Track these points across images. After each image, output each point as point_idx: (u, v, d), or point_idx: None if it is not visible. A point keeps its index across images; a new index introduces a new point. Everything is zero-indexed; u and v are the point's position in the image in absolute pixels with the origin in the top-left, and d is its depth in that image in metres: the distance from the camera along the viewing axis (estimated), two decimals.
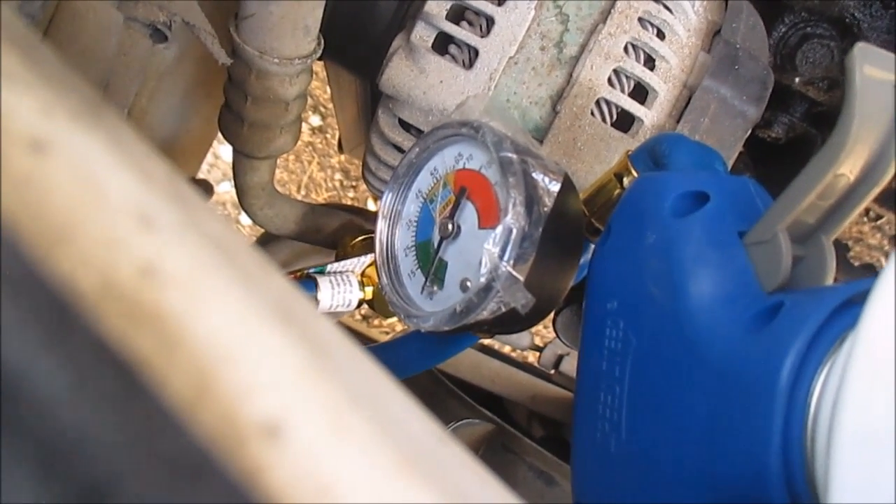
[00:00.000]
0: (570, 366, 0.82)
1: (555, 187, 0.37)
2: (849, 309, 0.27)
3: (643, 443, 0.31)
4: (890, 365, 0.21)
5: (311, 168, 1.73)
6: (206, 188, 0.89)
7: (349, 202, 1.76)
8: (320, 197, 1.74)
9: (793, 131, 0.74)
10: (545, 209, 0.36)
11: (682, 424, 0.29)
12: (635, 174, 0.39)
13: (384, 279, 0.42)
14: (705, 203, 0.32)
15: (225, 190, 1.60)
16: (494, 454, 0.60)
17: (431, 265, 0.40)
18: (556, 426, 0.87)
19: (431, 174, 0.42)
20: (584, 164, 0.55)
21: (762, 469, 0.26)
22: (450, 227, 0.40)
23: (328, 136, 1.73)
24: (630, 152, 0.41)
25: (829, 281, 0.30)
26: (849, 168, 0.29)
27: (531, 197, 0.36)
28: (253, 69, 0.51)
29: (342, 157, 1.75)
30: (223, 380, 0.11)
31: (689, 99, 0.56)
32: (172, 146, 0.75)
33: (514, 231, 0.36)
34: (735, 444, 0.27)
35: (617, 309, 0.34)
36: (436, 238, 0.40)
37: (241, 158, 0.58)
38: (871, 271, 0.93)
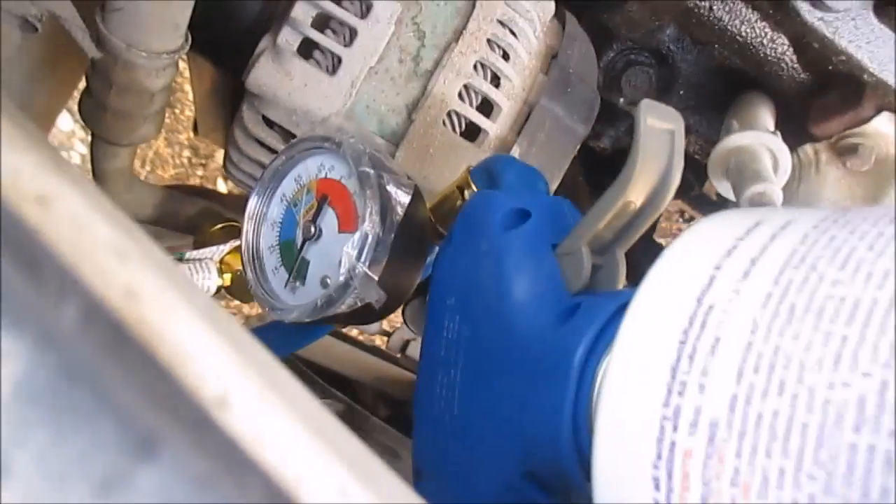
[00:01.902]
0: (414, 350, 0.88)
1: (405, 199, 0.43)
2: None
3: (472, 416, 0.38)
4: (633, 362, 0.28)
5: (158, 143, 1.68)
6: None
7: (197, 181, 1.73)
8: (167, 174, 1.70)
9: (618, 143, 0.84)
10: (397, 218, 0.42)
11: (501, 401, 0.36)
12: (474, 188, 0.45)
13: (250, 275, 0.46)
14: (527, 219, 0.39)
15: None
16: None
17: (295, 263, 0.45)
18: (399, 406, 0.93)
19: (296, 181, 0.46)
20: (435, 169, 0.61)
21: (558, 435, 0.33)
22: (312, 229, 0.44)
23: (177, 111, 1.69)
24: (470, 168, 0.47)
25: (620, 285, 0.38)
26: (635, 196, 0.36)
27: (385, 207, 0.42)
28: (119, 60, 0.53)
29: (191, 134, 1.72)
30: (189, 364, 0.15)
31: (529, 115, 0.63)
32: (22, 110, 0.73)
33: (370, 237, 0.41)
34: (540, 415, 0.34)
35: (454, 304, 0.40)
36: (299, 239, 0.45)
37: (102, 144, 0.59)
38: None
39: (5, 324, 0.13)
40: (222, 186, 1.70)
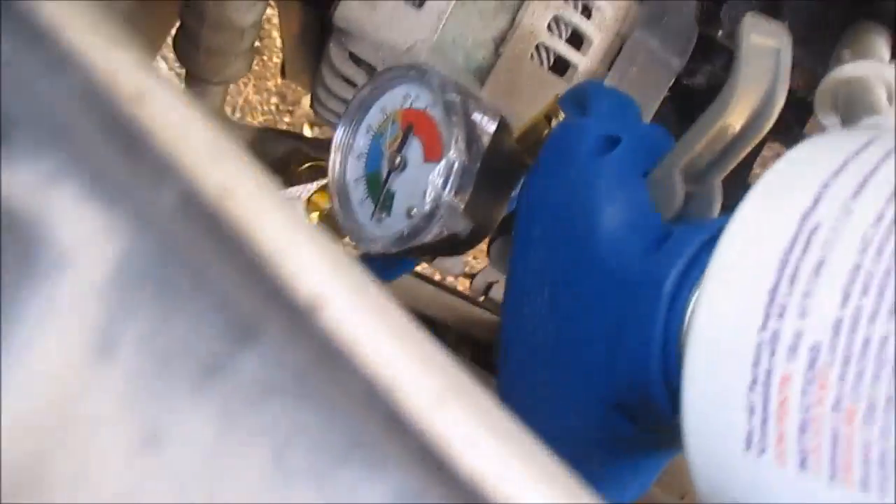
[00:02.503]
0: (497, 292, 0.88)
1: (491, 127, 0.42)
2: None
3: (558, 347, 0.37)
4: (728, 285, 0.27)
5: (247, 90, 1.71)
6: None
7: (285, 127, 1.76)
8: (255, 120, 1.74)
9: (714, 80, 0.80)
10: (483, 146, 0.41)
11: (589, 331, 0.35)
12: (562, 116, 0.44)
13: (337, 206, 0.46)
14: (618, 145, 0.38)
15: None
16: None
17: (380, 194, 0.45)
18: (482, 350, 0.94)
19: (381, 111, 0.46)
20: (521, 104, 0.59)
21: (646, 366, 0.32)
22: (398, 160, 0.44)
23: (265, 58, 1.72)
24: (559, 96, 0.45)
25: (715, 213, 0.36)
26: (734, 119, 0.34)
27: (471, 135, 0.41)
28: None
29: (279, 81, 1.74)
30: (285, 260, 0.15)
31: (620, 47, 0.60)
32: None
33: (456, 165, 0.40)
34: (628, 346, 0.33)
35: (540, 234, 0.40)
36: (384, 170, 0.45)
37: (196, 82, 0.60)
38: None
39: (105, 202, 0.13)
40: (308, 133, 1.72)
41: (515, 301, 0.41)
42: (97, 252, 0.13)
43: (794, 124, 0.84)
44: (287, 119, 1.76)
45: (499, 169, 0.43)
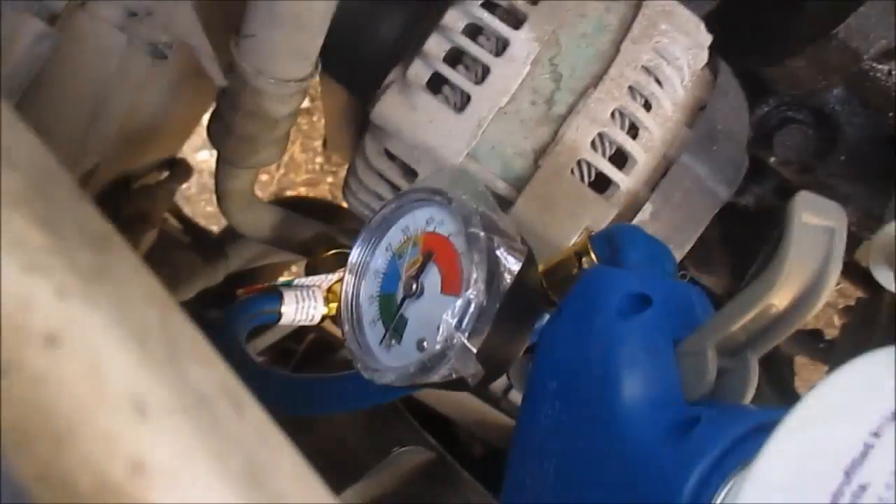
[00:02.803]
0: (516, 397, 0.84)
1: (516, 266, 0.39)
2: (758, 435, 0.29)
3: None
4: None
5: (294, 148, 1.73)
6: (185, 168, 0.90)
7: (327, 187, 1.76)
8: (298, 178, 1.74)
9: (763, 202, 0.77)
10: (504, 286, 0.38)
11: None
12: (594, 257, 0.41)
13: (346, 327, 0.44)
14: (648, 306, 0.35)
15: (203, 158, 1.60)
16: (432, 484, 0.62)
17: (393, 319, 0.42)
18: (496, 450, 0.89)
19: (403, 231, 0.44)
20: (556, 219, 0.57)
21: None
22: (414, 286, 0.41)
23: (314, 118, 1.73)
24: (591, 233, 0.43)
25: (749, 396, 0.33)
26: (779, 300, 0.31)
27: (493, 273, 0.38)
28: (248, 85, 0.52)
29: None
30: None
31: (666, 170, 0.58)
32: (157, 129, 0.75)
33: (473, 305, 0.38)
34: None
35: (556, 389, 0.36)
36: (400, 294, 0.42)
37: (225, 165, 0.59)
38: (815, 337, 0.95)
39: None
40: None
41: (520, 455, 0.37)
42: None
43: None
44: (330, 179, 1.77)
45: (519, 308, 0.40)
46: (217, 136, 0.57)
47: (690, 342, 0.33)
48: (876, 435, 0.22)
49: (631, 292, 0.35)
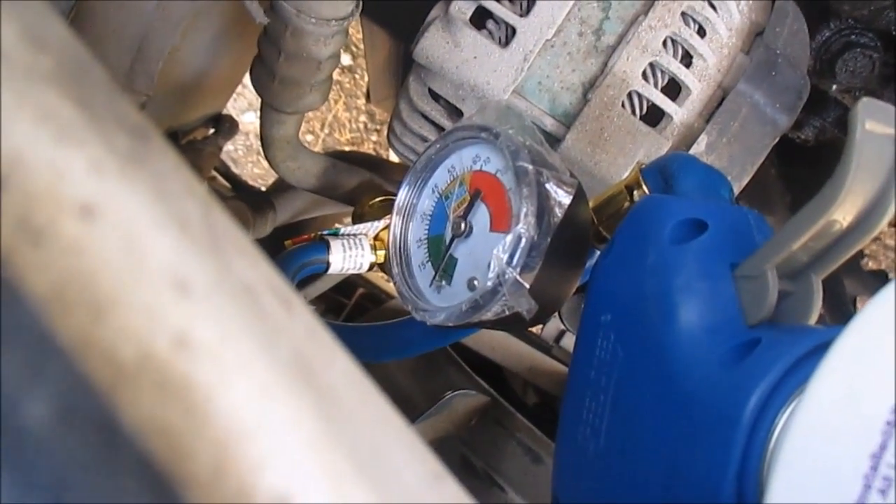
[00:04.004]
0: (570, 341, 0.83)
1: (566, 199, 0.38)
2: (822, 354, 0.28)
3: (618, 453, 0.33)
4: (826, 426, 0.22)
5: (337, 107, 1.72)
6: (231, 125, 0.90)
7: (371, 146, 1.76)
8: (343, 137, 1.74)
9: (823, 135, 0.73)
10: (555, 220, 0.37)
11: (653, 442, 0.31)
12: (646, 189, 0.40)
13: (395, 269, 0.43)
14: (703, 231, 0.33)
15: (250, 120, 1.60)
16: (486, 426, 0.62)
17: (442, 260, 0.41)
18: (550, 396, 0.89)
19: (449, 171, 0.43)
20: (608, 155, 0.55)
21: (716, 493, 0.27)
22: (462, 226, 0.41)
23: (357, 76, 1.72)
24: (643, 165, 0.41)
25: (813, 319, 0.31)
26: (842, 215, 0.29)
27: (543, 207, 0.37)
28: (289, 26, 0.51)
29: None
30: (239, 455, 0.12)
31: (722, 100, 0.55)
32: (202, 82, 0.75)
33: (524, 240, 0.37)
34: (696, 469, 0.28)
35: (610, 322, 0.35)
36: (448, 235, 0.41)
37: (270, 111, 0.58)
38: (880, 278, 0.92)
39: None
40: (393, 155, 1.72)
41: (577, 390, 0.36)
42: None
43: None
44: (374, 138, 1.76)
45: (571, 243, 0.39)
46: (260, 81, 0.56)
47: (749, 265, 0.32)
48: None
49: (684, 218, 0.34)
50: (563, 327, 0.88)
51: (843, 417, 0.22)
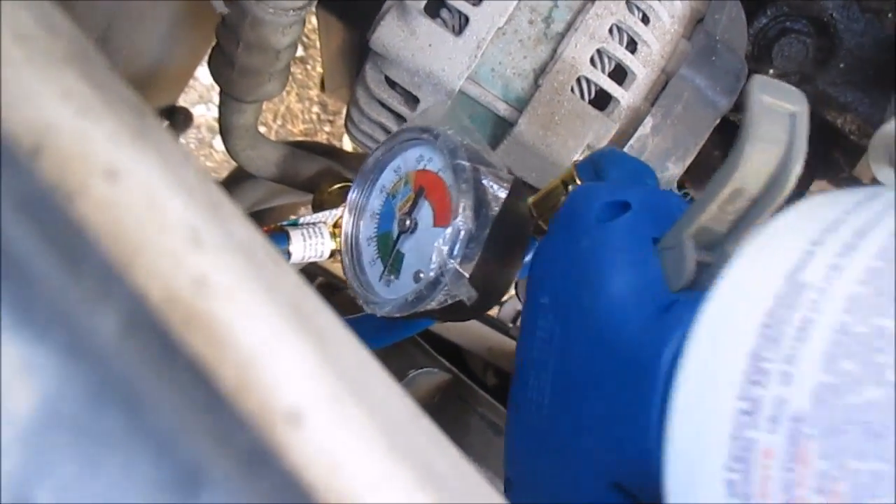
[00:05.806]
0: None
1: (502, 193, 0.41)
2: None
3: (560, 423, 0.35)
4: (708, 349, 0.25)
5: (290, 99, 1.72)
6: (185, 116, 0.90)
7: (324, 136, 1.76)
8: (296, 128, 1.74)
9: None
10: (492, 213, 0.40)
11: (590, 407, 0.33)
12: (579, 182, 0.42)
13: (347, 264, 0.46)
14: (628, 210, 0.36)
15: (200, 113, 1.59)
16: (449, 402, 0.64)
17: (390, 256, 0.44)
18: (508, 377, 0.91)
19: (395, 172, 0.46)
20: (559, 138, 0.58)
21: (645, 443, 0.30)
22: (408, 222, 0.43)
23: (308, 66, 1.72)
24: (577, 162, 0.44)
25: None
26: (749, 184, 0.32)
27: (480, 201, 0.40)
28: (248, 16, 0.52)
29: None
30: (258, 377, 0.14)
31: (666, 84, 0.58)
32: (155, 73, 0.75)
33: (463, 232, 0.39)
34: (627, 422, 0.31)
35: (548, 303, 0.38)
36: (395, 231, 0.44)
37: (229, 100, 0.59)
38: None
39: (34, 332, 0.11)
40: (348, 144, 1.72)
41: (522, 370, 0.39)
42: (18, 394, 0.11)
43: (843, 165, 0.81)
44: (327, 128, 1.76)
45: (509, 235, 0.42)
46: (219, 70, 0.57)
47: (668, 237, 0.34)
48: (816, 243, 0.24)
49: (610, 200, 0.37)
50: (519, 308, 0.91)
51: (724, 329, 0.25)
